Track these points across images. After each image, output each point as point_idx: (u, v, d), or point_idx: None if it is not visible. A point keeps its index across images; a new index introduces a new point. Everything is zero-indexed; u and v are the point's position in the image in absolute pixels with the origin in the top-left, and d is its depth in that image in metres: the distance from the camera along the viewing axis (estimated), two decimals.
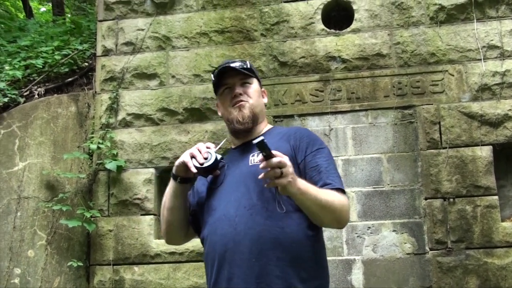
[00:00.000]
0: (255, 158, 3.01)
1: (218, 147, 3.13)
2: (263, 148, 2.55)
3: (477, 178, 6.44)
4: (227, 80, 3.19)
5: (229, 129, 3.26)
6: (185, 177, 3.13)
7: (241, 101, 3.15)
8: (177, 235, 3.35)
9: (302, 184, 2.74)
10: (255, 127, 3.20)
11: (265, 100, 3.33)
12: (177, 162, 3.10)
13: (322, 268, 3.00)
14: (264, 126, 3.29)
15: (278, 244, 2.83)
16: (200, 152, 3.01)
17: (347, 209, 2.96)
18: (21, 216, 7.01)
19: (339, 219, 2.93)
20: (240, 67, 3.19)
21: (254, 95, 3.21)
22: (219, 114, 3.33)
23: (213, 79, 3.25)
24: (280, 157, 2.60)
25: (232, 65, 3.18)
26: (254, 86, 3.24)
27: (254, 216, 2.87)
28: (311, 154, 3.04)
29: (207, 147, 3.04)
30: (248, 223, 2.86)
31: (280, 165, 2.60)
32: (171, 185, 3.18)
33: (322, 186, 2.90)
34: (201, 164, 3.00)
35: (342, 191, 2.96)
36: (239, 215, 2.89)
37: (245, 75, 3.21)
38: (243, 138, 3.21)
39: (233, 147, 3.30)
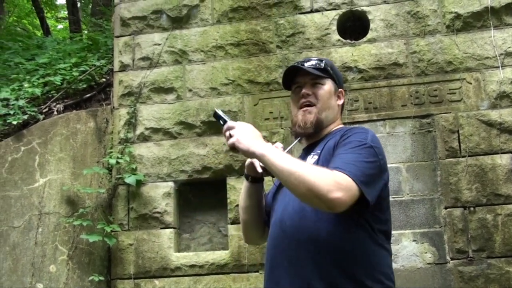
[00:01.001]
0: (310, 159, 2.98)
1: (289, 148, 3.13)
2: (218, 118, 2.80)
3: (497, 187, 6.40)
4: (298, 78, 3.13)
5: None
6: (256, 177, 3.15)
7: (308, 104, 3.08)
8: (253, 235, 3.36)
9: (261, 147, 2.72)
10: (319, 131, 3.10)
11: (341, 101, 3.21)
12: (246, 162, 3.13)
13: (373, 270, 2.80)
14: (333, 126, 3.15)
15: (326, 247, 2.74)
16: None
17: (331, 183, 2.54)
18: (42, 231, 7.05)
19: (316, 193, 2.54)
20: (313, 66, 3.11)
21: (323, 97, 3.10)
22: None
23: (284, 79, 3.21)
24: (228, 123, 2.81)
25: (306, 64, 3.12)
26: (326, 87, 3.12)
27: (303, 220, 2.82)
28: (337, 146, 2.88)
29: (276, 147, 2.91)
30: (297, 227, 2.82)
31: (228, 128, 2.81)
32: (244, 185, 3.22)
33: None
34: None
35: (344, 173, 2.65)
36: (289, 219, 2.87)
37: (317, 75, 3.11)
38: (311, 139, 3.15)
39: (303, 146, 3.26)
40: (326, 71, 3.14)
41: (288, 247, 2.82)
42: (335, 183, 2.55)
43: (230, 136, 2.77)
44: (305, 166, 2.66)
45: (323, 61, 3.16)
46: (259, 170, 3.03)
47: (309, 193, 2.54)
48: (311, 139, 3.15)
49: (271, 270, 2.88)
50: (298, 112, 3.10)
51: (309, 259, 2.75)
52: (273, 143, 3.16)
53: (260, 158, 2.72)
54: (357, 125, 6.63)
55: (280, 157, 2.66)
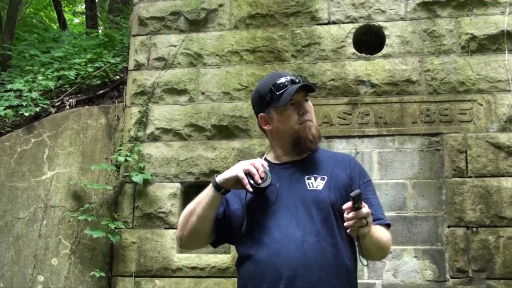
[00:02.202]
0: (313, 182, 3.05)
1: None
2: (358, 200, 2.64)
3: (501, 209, 6.41)
4: (294, 95, 3.11)
5: (291, 145, 3.17)
6: (227, 190, 3.06)
7: (310, 120, 3.14)
8: (198, 242, 3.28)
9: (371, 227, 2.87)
10: None
11: None
12: (227, 175, 3.00)
13: None
14: None
15: (341, 273, 2.91)
16: (258, 171, 2.94)
17: (390, 245, 3.19)
18: (46, 224, 7.10)
19: (384, 256, 3.24)
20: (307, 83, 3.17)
21: (313, 114, 3.20)
22: (266, 128, 3.25)
23: (266, 91, 3.15)
24: (367, 208, 2.72)
25: (298, 80, 3.13)
26: (310, 103, 3.21)
27: (321, 243, 2.89)
28: (363, 185, 3.13)
29: (263, 165, 2.97)
30: (317, 250, 2.87)
31: (367, 216, 2.72)
32: (209, 194, 3.07)
33: (374, 220, 2.97)
34: (258, 184, 2.92)
35: (388, 226, 3.17)
36: (306, 241, 2.88)
37: (307, 92, 3.18)
38: (291, 156, 3.19)
39: (274, 161, 3.22)
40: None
41: (311, 272, 2.85)
42: (390, 242, 3.17)
43: (367, 223, 2.75)
44: (384, 236, 3.08)
45: (302, 76, 3.24)
46: (250, 190, 2.93)
47: (380, 258, 3.33)
48: (293, 156, 3.19)
49: None
50: (301, 126, 3.12)
51: (330, 285, 2.86)
52: (261, 156, 3.22)
53: (370, 238, 2.90)
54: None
55: (377, 232, 3.00)
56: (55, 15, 17.51)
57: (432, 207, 6.56)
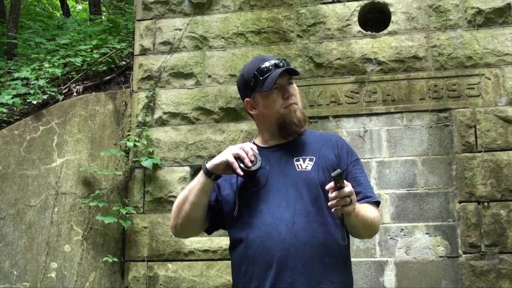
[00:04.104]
0: (302, 163, 3.07)
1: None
2: (340, 179, 2.64)
3: None
4: (278, 79, 3.12)
5: (276, 128, 3.18)
6: (219, 175, 3.08)
7: (295, 103, 3.16)
8: (192, 230, 3.30)
9: (357, 205, 2.85)
10: None
11: None
12: (217, 160, 3.03)
13: (351, 272, 3.15)
14: None
15: (331, 250, 2.93)
16: (247, 154, 2.97)
17: (380, 223, 3.21)
18: (58, 211, 7.13)
19: (373, 234, 3.23)
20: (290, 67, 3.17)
21: (298, 97, 3.22)
22: (252, 112, 3.25)
23: (251, 76, 3.15)
24: (350, 187, 2.71)
25: (282, 64, 3.13)
26: (295, 86, 3.23)
27: (311, 223, 2.92)
28: (351, 164, 3.16)
29: (252, 149, 3.00)
30: (307, 230, 2.90)
31: (350, 194, 2.71)
32: (201, 181, 3.09)
33: (362, 198, 3.06)
34: (248, 167, 2.95)
35: (377, 204, 3.17)
36: (297, 222, 2.91)
37: (291, 75, 3.19)
38: (278, 139, 3.21)
39: (262, 145, 3.24)
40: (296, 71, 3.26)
41: (303, 252, 2.87)
42: (380, 219, 3.21)
43: (350, 202, 2.74)
44: (372, 213, 3.07)
45: (286, 59, 3.24)
46: (241, 173, 2.95)
47: (368, 236, 3.27)
48: (280, 139, 3.21)
49: (280, 271, 2.87)
50: (287, 110, 3.14)
51: (321, 263, 2.89)
52: (250, 140, 3.23)
53: (356, 216, 2.91)
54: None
55: (364, 210, 3.00)
56: (58, 2, 17.48)
57: (443, 183, 6.56)
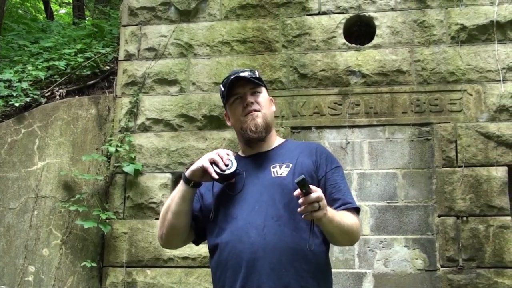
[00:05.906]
0: (278, 169, 3.11)
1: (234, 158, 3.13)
2: (304, 185, 2.64)
3: (491, 198, 6.46)
4: (238, 89, 3.22)
5: (242, 138, 3.29)
6: (198, 182, 3.12)
7: (254, 110, 3.20)
8: (177, 240, 3.29)
9: (330, 211, 2.84)
10: (268, 136, 3.26)
11: (274, 108, 3.38)
12: (193, 167, 3.07)
13: (331, 282, 3.14)
14: (275, 137, 3.38)
15: (304, 256, 2.94)
16: (222, 159, 3.02)
17: (360, 230, 3.17)
18: (37, 215, 7.09)
19: (353, 241, 3.17)
20: (250, 76, 3.24)
21: (265, 104, 3.26)
22: (229, 124, 3.36)
23: (222, 89, 3.26)
24: (317, 193, 2.70)
25: (241, 74, 3.21)
26: (263, 94, 3.28)
27: (282, 228, 2.94)
28: (331, 171, 3.18)
29: (227, 154, 3.06)
30: (277, 234, 2.92)
31: (318, 199, 2.69)
32: (181, 189, 3.13)
33: (342, 205, 3.07)
34: (223, 171, 3.00)
35: (357, 211, 3.17)
36: (267, 225, 2.94)
37: (255, 84, 3.25)
38: (257, 148, 3.27)
39: (243, 155, 3.33)
40: (261, 80, 3.31)
41: (271, 255, 2.90)
42: (361, 229, 3.25)
43: (319, 207, 2.71)
44: (350, 220, 3.04)
45: (255, 71, 3.32)
46: (216, 177, 3.00)
47: (348, 242, 3.18)
48: (258, 148, 3.28)
49: (249, 274, 2.90)
50: (245, 118, 3.20)
51: (291, 267, 2.90)
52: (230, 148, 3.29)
53: (330, 223, 2.87)
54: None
55: (340, 217, 2.95)
56: (41, 5, 17.42)
57: (423, 197, 6.61)
